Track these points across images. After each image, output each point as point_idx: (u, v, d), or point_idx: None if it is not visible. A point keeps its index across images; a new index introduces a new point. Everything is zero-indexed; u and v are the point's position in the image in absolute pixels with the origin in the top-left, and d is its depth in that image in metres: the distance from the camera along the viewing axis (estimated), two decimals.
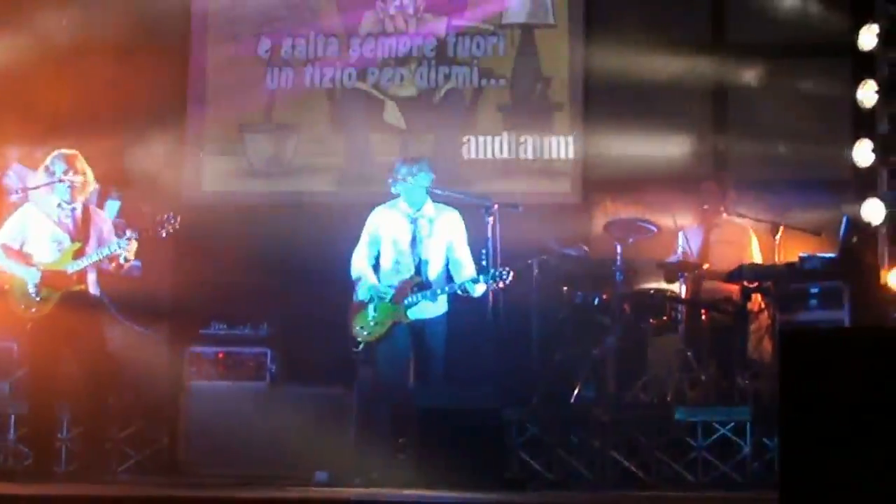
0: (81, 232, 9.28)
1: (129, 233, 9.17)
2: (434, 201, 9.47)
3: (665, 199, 11.02)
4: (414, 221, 9.38)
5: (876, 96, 11.25)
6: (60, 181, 9.18)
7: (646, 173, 11.37)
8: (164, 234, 9.28)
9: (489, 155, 11.95)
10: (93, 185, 9.44)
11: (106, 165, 9.68)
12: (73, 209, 9.27)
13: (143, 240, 9.20)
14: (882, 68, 11.36)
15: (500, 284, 9.00)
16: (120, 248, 9.13)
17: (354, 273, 9.46)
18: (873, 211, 11.11)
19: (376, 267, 9.45)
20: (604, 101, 11.81)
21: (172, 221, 9.24)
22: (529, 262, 10.38)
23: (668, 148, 11.50)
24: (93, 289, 9.27)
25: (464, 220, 9.51)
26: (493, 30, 12.07)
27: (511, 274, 9.02)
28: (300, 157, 12.09)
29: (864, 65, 11.44)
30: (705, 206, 10.89)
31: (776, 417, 7.14)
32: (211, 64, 12.23)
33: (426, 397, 8.89)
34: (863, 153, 11.26)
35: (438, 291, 9.24)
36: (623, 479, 9.40)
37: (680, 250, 10.89)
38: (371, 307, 9.30)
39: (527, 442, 9.79)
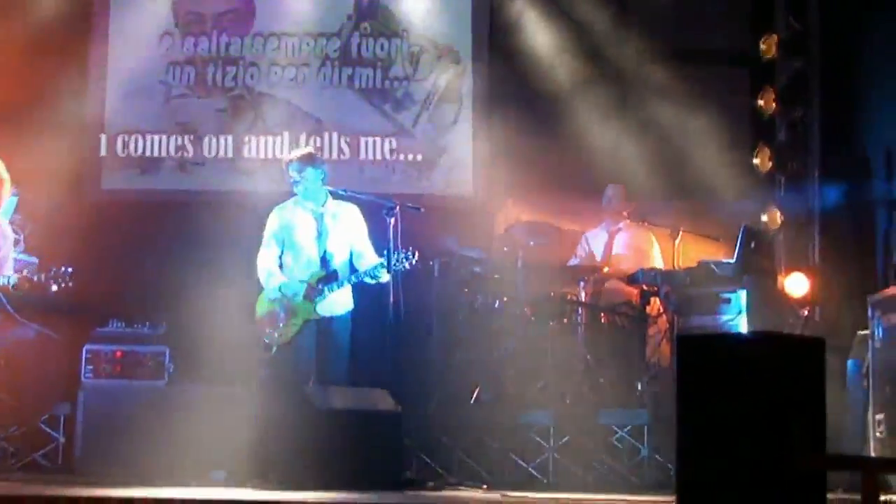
0: None
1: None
2: (333, 198, 9.47)
3: (567, 203, 11.08)
4: (320, 217, 9.38)
5: (775, 104, 11.46)
6: None
7: (548, 177, 11.41)
8: (53, 288, 9.16)
9: (391, 156, 11.95)
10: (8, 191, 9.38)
11: (4, 161, 9.53)
12: None
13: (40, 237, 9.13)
14: (781, 77, 11.57)
15: (407, 265, 8.99)
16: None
17: (261, 274, 9.40)
18: (771, 217, 11.31)
19: (281, 266, 9.41)
20: (507, 105, 11.84)
21: (65, 275, 9.15)
22: (430, 263, 10.38)
23: (570, 152, 11.55)
24: None
25: (366, 221, 9.52)
26: (398, 32, 12.10)
27: (416, 254, 9.01)
28: (201, 155, 11.99)
29: (764, 73, 11.63)
30: (608, 209, 10.97)
31: (674, 421, 7.22)
32: (111, 61, 12.09)
33: (325, 398, 8.85)
34: (762, 160, 11.45)
35: (345, 282, 9.25)
36: (522, 481, 9.43)
37: (581, 254, 10.96)
38: (279, 308, 9.26)
39: (426, 443, 9.79)
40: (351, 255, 9.45)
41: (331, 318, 9.32)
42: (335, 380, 9.21)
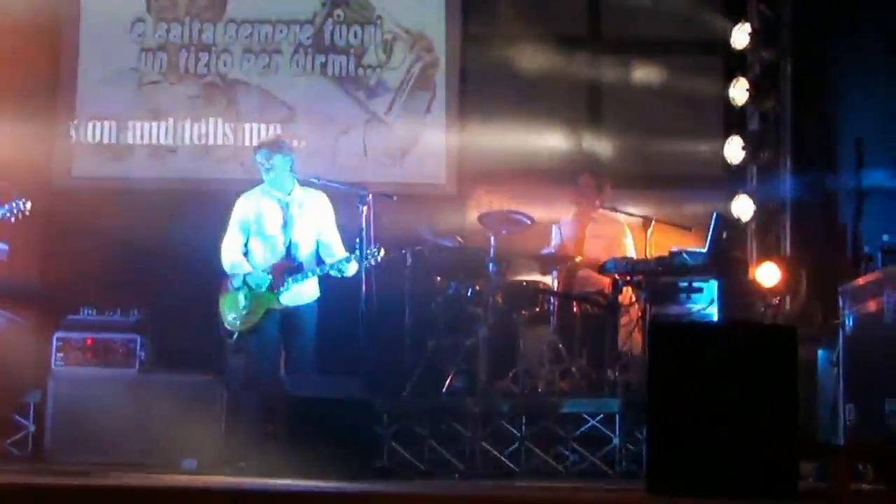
0: None
1: None
2: (301, 184, 9.45)
3: (540, 192, 11.08)
4: (286, 206, 9.36)
5: (747, 94, 11.48)
6: None
7: (521, 166, 11.43)
8: (12, 220, 9.14)
9: (365, 143, 11.93)
10: None
11: None
12: None
13: (10, 224, 9.09)
14: (753, 67, 11.59)
15: (373, 262, 9.01)
16: None
17: (226, 262, 9.39)
18: (743, 207, 11.35)
19: (246, 254, 9.40)
20: (481, 93, 11.86)
21: (21, 207, 9.15)
22: (403, 251, 10.37)
23: (543, 141, 11.58)
24: None
25: (338, 209, 9.51)
26: (371, 19, 12.08)
27: (382, 251, 9.03)
28: (172, 143, 11.95)
29: (737, 63, 11.65)
30: (579, 200, 10.97)
31: (645, 409, 7.25)
32: (83, 47, 12.03)
33: (297, 386, 8.84)
34: (733, 150, 11.48)
35: (310, 273, 9.23)
36: (494, 470, 9.43)
37: (553, 243, 10.96)
38: (242, 296, 9.25)
39: (398, 432, 9.80)
40: (318, 244, 9.43)
41: (296, 308, 9.30)
42: (300, 368, 9.20)
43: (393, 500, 7.20)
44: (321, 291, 9.42)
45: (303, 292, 9.31)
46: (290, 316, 9.28)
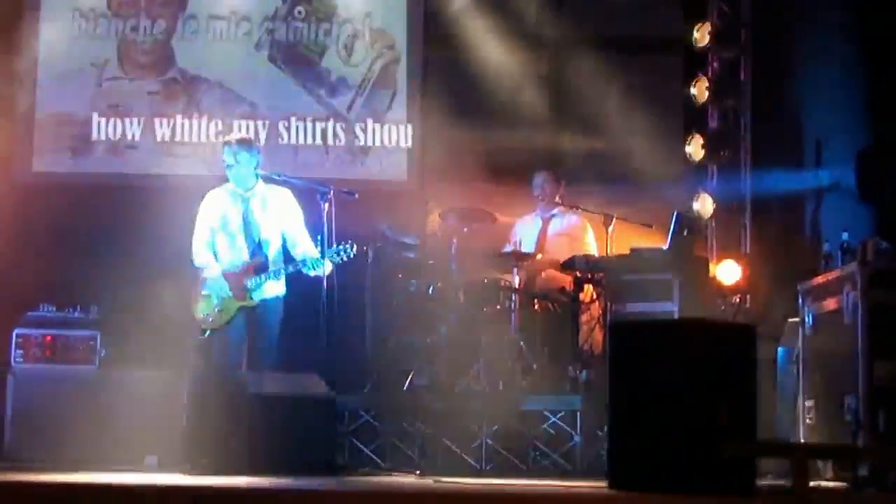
0: None
1: None
2: (266, 182, 9.44)
3: (501, 189, 11.09)
4: (246, 203, 9.35)
5: (707, 93, 11.54)
6: None
7: (482, 163, 11.43)
8: None
9: (326, 141, 11.92)
10: None
11: None
12: None
13: None
14: (713, 65, 11.65)
15: (345, 258, 9.02)
16: None
17: (198, 261, 9.40)
18: (703, 205, 11.40)
19: (214, 252, 9.40)
20: (442, 91, 11.84)
21: None
22: (364, 248, 10.35)
23: (504, 138, 11.58)
24: None
25: (299, 206, 9.50)
26: (332, 16, 12.06)
27: (354, 247, 9.04)
28: (133, 139, 11.89)
29: (697, 62, 11.70)
30: (540, 197, 10.98)
31: (606, 406, 7.27)
32: (43, 42, 11.95)
33: (258, 383, 8.83)
34: (694, 148, 11.54)
35: (282, 271, 9.24)
36: (455, 467, 9.43)
37: (515, 240, 10.98)
38: (215, 295, 9.25)
39: (359, 429, 9.80)
40: (284, 241, 9.44)
41: (262, 302, 9.32)
42: (266, 365, 9.20)
43: (353, 497, 7.20)
44: (287, 287, 9.42)
45: (268, 287, 9.32)
46: (256, 314, 9.28)
